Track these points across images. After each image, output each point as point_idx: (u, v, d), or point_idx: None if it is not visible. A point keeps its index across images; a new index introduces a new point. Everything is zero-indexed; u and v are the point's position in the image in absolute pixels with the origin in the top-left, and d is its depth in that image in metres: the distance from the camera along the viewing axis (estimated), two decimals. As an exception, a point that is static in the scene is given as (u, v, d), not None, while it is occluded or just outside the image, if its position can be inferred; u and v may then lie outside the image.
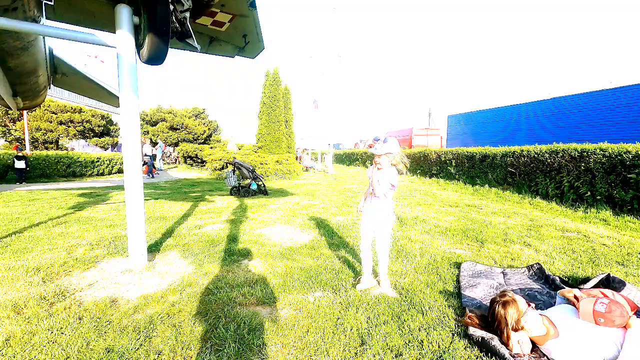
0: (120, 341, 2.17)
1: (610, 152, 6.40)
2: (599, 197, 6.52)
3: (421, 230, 5.17)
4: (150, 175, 15.70)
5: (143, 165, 15.03)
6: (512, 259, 3.83)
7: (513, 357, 1.99)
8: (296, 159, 17.54)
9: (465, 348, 2.14)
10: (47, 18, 4.44)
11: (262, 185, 9.33)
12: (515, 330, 2.11)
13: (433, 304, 2.70)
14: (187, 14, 3.77)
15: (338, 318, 2.48)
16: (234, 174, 9.18)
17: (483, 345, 2.09)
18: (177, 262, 3.78)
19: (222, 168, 14.27)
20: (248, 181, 9.52)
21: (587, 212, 6.35)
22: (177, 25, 3.75)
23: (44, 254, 3.96)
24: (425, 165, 13.93)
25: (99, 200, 8.27)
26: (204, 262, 3.70)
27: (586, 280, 3.01)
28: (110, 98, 8.00)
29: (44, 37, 5.12)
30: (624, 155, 6.13)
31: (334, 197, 8.74)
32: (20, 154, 12.49)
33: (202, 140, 27.78)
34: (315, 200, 8.20)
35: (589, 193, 6.71)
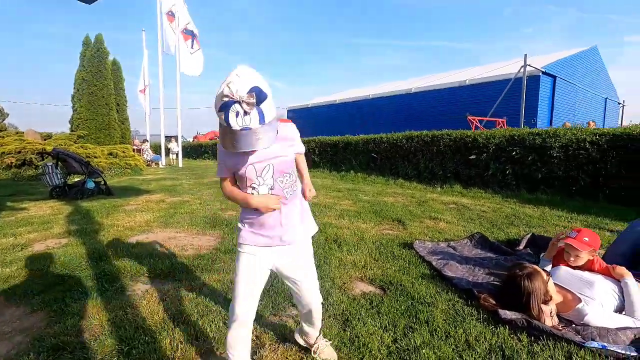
0: None
1: (455, 136, 7.72)
2: (449, 175, 7.78)
3: (334, 215, 4.80)
4: None
5: None
6: (439, 232, 3.90)
7: (557, 330, 1.80)
8: (133, 151, 14.38)
9: (510, 335, 1.82)
10: None
11: (103, 182, 7.00)
12: (545, 302, 1.94)
13: (426, 292, 2.31)
14: None
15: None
16: (56, 169, 6.49)
17: (530, 327, 1.82)
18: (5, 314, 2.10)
19: (23, 165, 10.21)
20: (79, 178, 6.99)
21: (443, 188, 7.47)
22: None
23: None
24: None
25: None
26: (61, 309, 2.18)
27: (517, 242, 3.28)
28: None
29: None
30: (465, 139, 7.49)
31: (204, 192, 7.41)
32: None
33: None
34: (184, 196, 6.71)
35: (441, 172, 7.94)
